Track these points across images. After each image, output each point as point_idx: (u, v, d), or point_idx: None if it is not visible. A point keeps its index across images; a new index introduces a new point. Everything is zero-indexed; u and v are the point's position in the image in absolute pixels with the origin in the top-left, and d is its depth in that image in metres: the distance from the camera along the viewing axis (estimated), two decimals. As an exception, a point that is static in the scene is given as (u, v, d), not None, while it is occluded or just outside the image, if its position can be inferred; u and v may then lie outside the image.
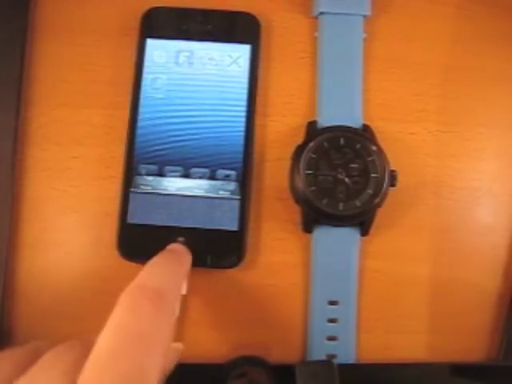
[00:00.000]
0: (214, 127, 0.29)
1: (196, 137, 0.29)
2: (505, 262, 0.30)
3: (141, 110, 0.29)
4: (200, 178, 0.28)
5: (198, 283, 0.28)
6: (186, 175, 0.28)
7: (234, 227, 0.28)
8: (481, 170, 0.30)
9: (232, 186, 0.28)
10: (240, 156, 0.29)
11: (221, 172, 0.28)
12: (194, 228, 0.28)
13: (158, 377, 0.16)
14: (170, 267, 0.19)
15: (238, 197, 0.28)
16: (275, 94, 0.30)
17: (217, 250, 0.28)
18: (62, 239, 0.29)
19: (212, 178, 0.28)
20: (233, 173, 0.28)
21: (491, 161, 0.31)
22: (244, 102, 0.29)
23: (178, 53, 0.30)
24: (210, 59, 0.29)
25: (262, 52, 0.30)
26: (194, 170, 0.28)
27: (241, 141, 0.29)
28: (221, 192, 0.28)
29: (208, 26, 0.30)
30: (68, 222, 0.29)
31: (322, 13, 0.30)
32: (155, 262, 0.18)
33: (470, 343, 0.30)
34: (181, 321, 0.28)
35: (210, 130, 0.29)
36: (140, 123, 0.29)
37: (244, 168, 0.29)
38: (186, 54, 0.30)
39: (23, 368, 0.15)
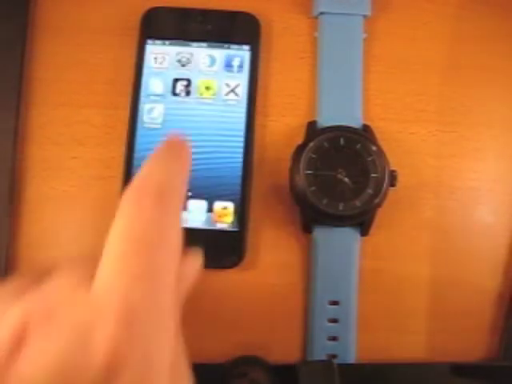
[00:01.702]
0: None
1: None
2: (505, 261, 0.30)
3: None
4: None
5: (198, 283, 0.28)
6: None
7: (234, 227, 0.28)
8: (481, 170, 0.30)
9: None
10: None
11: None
12: (194, 228, 0.28)
13: (172, 274, 0.16)
14: (169, 158, 0.18)
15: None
16: (275, 94, 0.30)
17: (217, 250, 0.28)
18: (62, 239, 0.29)
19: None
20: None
21: (491, 161, 0.31)
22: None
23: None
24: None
25: (262, 52, 0.30)
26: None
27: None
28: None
29: (208, 26, 0.30)
30: (68, 221, 0.29)
31: (322, 13, 0.30)
32: (152, 157, 0.17)
33: (470, 343, 0.30)
34: (181, 321, 0.28)
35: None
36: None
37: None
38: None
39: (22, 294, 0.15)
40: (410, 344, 0.29)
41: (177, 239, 0.16)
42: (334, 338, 0.28)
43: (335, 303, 0.28)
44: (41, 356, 0.13)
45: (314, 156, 0.27)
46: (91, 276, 0.15)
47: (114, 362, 0.13)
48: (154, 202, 0.16)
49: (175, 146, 0.18)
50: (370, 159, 0.27)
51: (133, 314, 0.14)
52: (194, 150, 0.28)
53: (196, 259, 0.20)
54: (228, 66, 0.30)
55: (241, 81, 0.29)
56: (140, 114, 0.29)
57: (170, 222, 0.16)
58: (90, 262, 0.16)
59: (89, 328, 0.14)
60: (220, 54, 0.30)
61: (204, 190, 0.28)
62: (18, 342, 0.14)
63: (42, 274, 0.16)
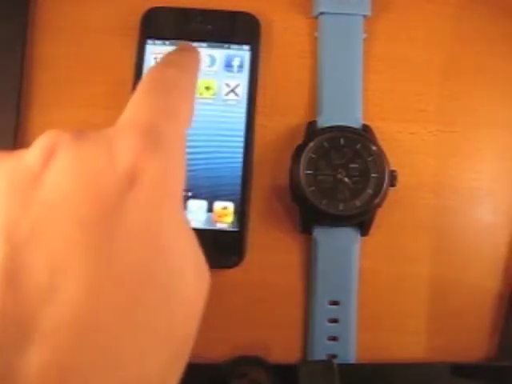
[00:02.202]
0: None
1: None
2: (505, 261, 0.30)
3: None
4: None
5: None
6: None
7: (234, 227, 0.28)
8: (481, 170, 0.30)
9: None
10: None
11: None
12: (194, 228, 0.28)
13: (188, 120, 0.18)
14: (185, 52, 0.20)
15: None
16: (275, 94, 0.30)
17: (217, 250, 0.28)
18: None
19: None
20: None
21: (491, 161, 0.31)
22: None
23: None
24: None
25: (262, 52, 0.30)
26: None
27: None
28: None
29: (208, 26, 0.30)
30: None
31: (322, 13, 0.30)
32: (168, 53, 0.20)
33: (470, 343, 0.30)
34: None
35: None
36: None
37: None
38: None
39: None
40: (410, 344, 0.29)
41: (193, 96, 0.19)
42: (334, 338, 0.28)
43: (335, 303, 0.28)
44: (67, 167, 0.14)
45: (313, 156, 0.27)
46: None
47: (134, 169, 0.14)
48: (177, 70, 0.18)
49: (186, 48, 0.21)
50: (370, 159, 0.27)
51: (154, 132, 0.15)
52: (194, 149, 0.28)
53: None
54: (228, 65, 0.30)
55: (241, 81, 0.29)
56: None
57: (190, 83, 0.19)
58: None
59: (115, 143, 0.15)
60: (220, 53, 0.30)
61: (204, 189, 0.28)
62: (48, 156, 0.15)
63: None
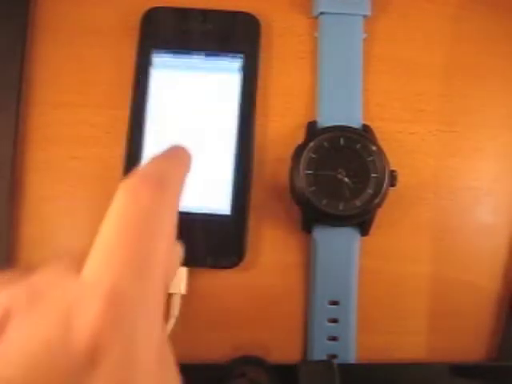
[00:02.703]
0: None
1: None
2: (505, 262, 0.30)
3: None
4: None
5: (198, 283, 0.28)
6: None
7: (234, 227, 0.28)
8: (481, 170, 0.30)
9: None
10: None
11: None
12: (195, 228, 0.28)
13: (163, 265, 0.16)
14: (169, 159, 0.18)
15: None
16: (275, 94, 0.30)
17: (217, 250, 0.28)
18: (62, 239, 0.29)
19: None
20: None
21: (491, 161, 0.31)
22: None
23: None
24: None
25: (262, 52, 0.30)
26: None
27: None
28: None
29: (208, 26, 0.30)
30: (68, 222, 0.29)
31: (322, 13, 0.30)
32: (153, 157, 0.18)
33: (470, 343, 0.30)
34: (181, 321, 0.28)
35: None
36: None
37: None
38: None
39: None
40: (410, 344, 0.29)
41: (170, 232, 0.16)
42: (334, 338, 0.28)
43: (335, 303, 0.28)
44: (22, 340, 0.13)
45: (314, 156, 0.27)
46: (80, 265, 0.15)
47: (95, 348, 0.13)
48: (151, 191, 0.16)
49: (177, 149, 0.19)
50: (370, 159, 0.27)
51: (119, 300, 0.14)
52: (194, 149, 0.28)
53: (178, 250, 0.20)
54: (228, 65, 0.30)
55: (241, 81, 0.29)
56: (140, 113, 0.29)
57: (165, 214, 0.16)
58: (79, 255, 0.16)
59: (73, 312, 0.13)
60: (220, 53, 0.30)
61: (204, 190, 0.28)
62: (0, 326, 0.13)
63: (32, 269, 0.16)
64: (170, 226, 0.16)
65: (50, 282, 0.14)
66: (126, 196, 0.16)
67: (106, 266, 0.14)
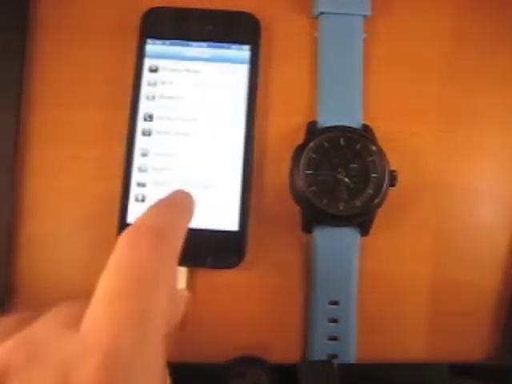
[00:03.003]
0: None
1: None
2: (504, 262, 0.30)
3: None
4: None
5: (198, 283, 0.28)
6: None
7: (234, 227, 0.28)
8: (481, 170, 0.30)
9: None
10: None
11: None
12: (194, 228, 0.28)
13: (163, 318, 0.15)
14: (171, 208, 0.18)
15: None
16: (275, 93, 0.30)
17: (217, 250, 0.28)
18: (62, 239, 0.29)
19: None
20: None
21: (491, 161, 0.31)
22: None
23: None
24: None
25: (262, 52, 0.30)
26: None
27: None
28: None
29: (208, 26, 0.30)
30: (68, 221, 0.29)
31: (322, 13, 0.30)
32: (155, 204, 0.18)
33: (470, 343, 0.30)
34: (180, 321, 0.28)
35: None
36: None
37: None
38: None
39: (20, 328, 0.15)
40: (410, 344, 0.29)
41: (171, 283, 0.16)
42: (334, 338, 0.28)
43: (335, 303, 0.28)
44: None
45: (314, 156, 0.27)
46: (79, 318, 0.15)
47: None
48: (151, 243, 0.16)
49: (180, 195, 0.19)
50: (370, 159, 0.27)
51: (117, 358, 0.14)
52: (193, 149, 0.28)
53: (183, 296, 0.21)
54: (228, 66, 0.30)
55: (241, 81, 0.29)
56: (140, 113, 0.29)
57: (165, 266, 0.16)
58: (81, 301, 0.16)
59: (71, 368, 0.13)
60: (220, 53, 0.30)
61: (203, 189, 0.28)
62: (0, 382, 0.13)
63: (30, 315, 0.16)
64: (171, 276, 0.16)
65: (49, 338, 0.14)
66: (125, 247, 0.16)
67: (104, 321, 0.14)
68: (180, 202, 0.18)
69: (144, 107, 0.29)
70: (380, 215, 0.28)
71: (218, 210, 0.28)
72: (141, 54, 0.29)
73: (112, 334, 0.14)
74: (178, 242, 0.17)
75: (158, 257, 0.16)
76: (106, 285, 0.15)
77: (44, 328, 0.15)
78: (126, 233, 0.16)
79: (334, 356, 0.28)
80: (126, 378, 0.13)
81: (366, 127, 0.29)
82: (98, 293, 0.15)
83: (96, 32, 0.30)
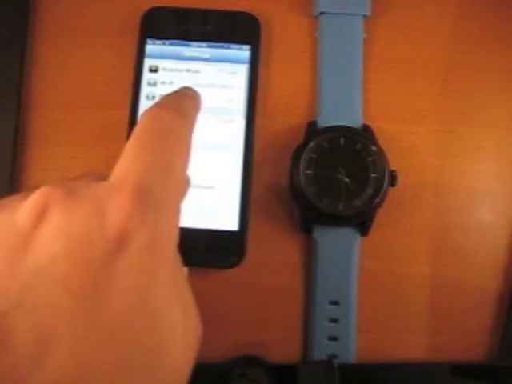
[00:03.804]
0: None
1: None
2: (504, 262, 0.30)
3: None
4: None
5: (198, 283, 0.28)
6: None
7: (234, 227, 0.28)
8: (481, 170, 0.30)
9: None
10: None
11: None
12: (195, 228, 0.28)
13: (184, 172, 0.18)
14: (185, 96, 0.20)
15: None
16: (275, 93, 0.30)
17: (217, 249, 0.28)
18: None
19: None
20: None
21: (491, 161, 0.31)
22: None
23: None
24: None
25: (262, 52, 0.30)
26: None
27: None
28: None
29: (208, 26, 0.30)
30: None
31: (322, 13, 0.30)
32: (169, 93, 0.20)
33: (470, 343, 0.30)
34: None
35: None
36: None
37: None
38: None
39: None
40: (410, 344, 0.29)
41: (187, 154, 0.18)
42: (334, 338, 0.28)
43: (335, 303, 0.28)
44: (63, 223, 0.14)
45: (313, 156, 0.27)
46: (106, 177, 0.17)
47: (124, 232, 0.14)
48: (172, 115, 0.17)
49: (188, 89, 0.20)
50: (370, 159, 0.27)
51: (146, 195, 0.15)
52: (193, 149, 0.28)
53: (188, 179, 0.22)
54: (228, 66, 0.30)
55: (241, 81, 0.29)
56: (140, 113, 0.29)
57: (185, 136, 0.18)
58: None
59: (106, 200, 0.15)
60: (220, 53, 0.30)
61: (203, 189, 0.28)
62: (39, 217, 0.14)
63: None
64: (188, 149, 0.18)
65: (84, 184, 0.16)
66: (148, 119, 0.17)
67: (133, 167, 0.16)
68: (190, 94, 0.20)
69: (144, 107, 0.29)
70: (380, 215, 0.28)
71: (218, 210, 0.28)
72: (141, 54, 0.29)
73: (141, 176, 0.16)
74: (193, 121, 0.19)
75: (178, 126, 0.18)
76: (132, 145, 0.17)
77: (76, 180, 0.17)
78: (148, 110, 0.18)
79: (334, 356, 0.28)
80: (153, 215, 0.15)
81: (366, 127, 0.29)
82: (126, 148, 0.17)
83: (96, 32, 0.30)
